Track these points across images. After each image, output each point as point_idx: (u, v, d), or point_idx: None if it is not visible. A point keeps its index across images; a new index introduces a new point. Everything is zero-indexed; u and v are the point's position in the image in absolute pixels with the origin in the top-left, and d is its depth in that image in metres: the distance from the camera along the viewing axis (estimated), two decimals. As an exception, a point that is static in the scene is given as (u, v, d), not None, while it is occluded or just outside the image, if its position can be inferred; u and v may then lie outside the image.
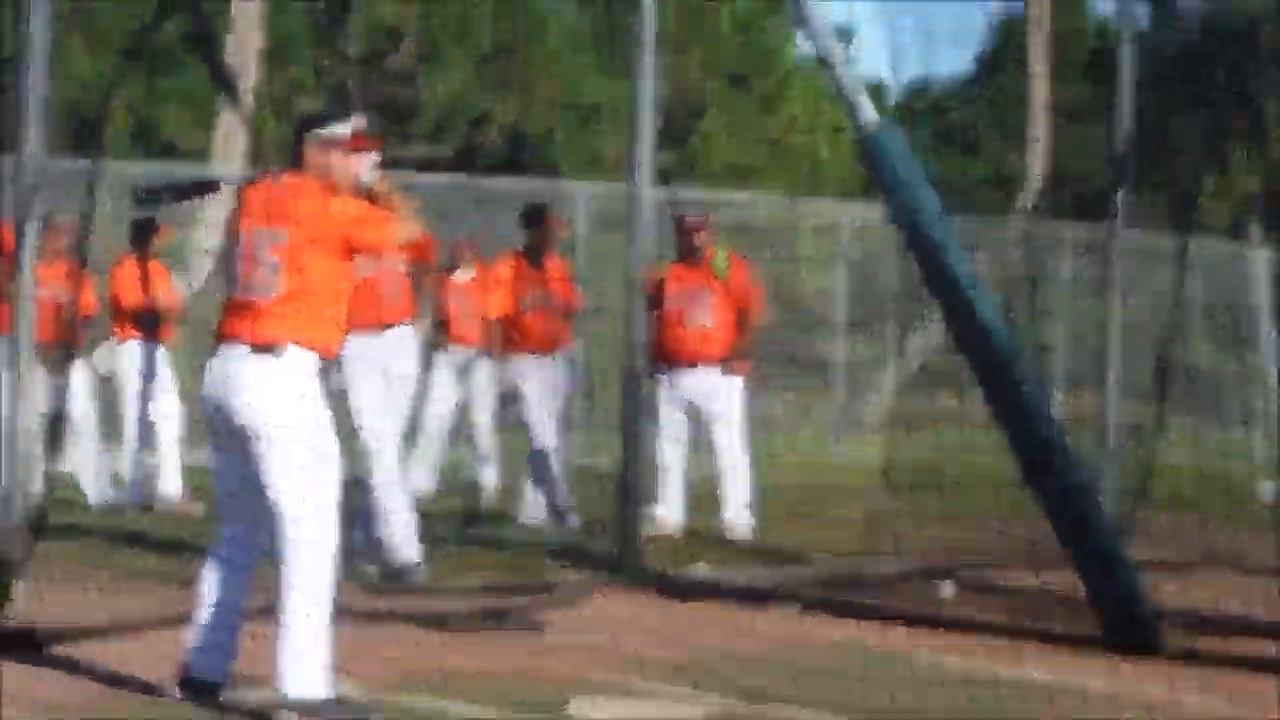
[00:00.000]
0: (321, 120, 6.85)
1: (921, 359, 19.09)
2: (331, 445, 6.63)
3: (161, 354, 13.56)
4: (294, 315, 6.53)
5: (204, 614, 6.73)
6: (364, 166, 6.81)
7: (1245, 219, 20.40)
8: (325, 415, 6.64)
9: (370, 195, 6.84)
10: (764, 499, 11.26)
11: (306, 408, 6.56)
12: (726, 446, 11.78)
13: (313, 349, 6.58)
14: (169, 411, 13.49)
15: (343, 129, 6.75)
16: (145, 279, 13.37)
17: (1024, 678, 6.50)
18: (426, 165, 23.32)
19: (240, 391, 6.51)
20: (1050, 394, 9.54)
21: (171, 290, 13.86)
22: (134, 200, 7.82)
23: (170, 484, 13.53)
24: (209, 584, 6.76)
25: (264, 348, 6.52)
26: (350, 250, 6.66)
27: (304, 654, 6.43)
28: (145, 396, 13.41)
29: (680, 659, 7.02)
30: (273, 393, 6.49)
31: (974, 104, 30.21)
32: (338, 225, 6.58)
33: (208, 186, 7.42)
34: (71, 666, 7.38)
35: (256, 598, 6.79)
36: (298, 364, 6.55)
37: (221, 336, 6.68)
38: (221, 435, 6.69)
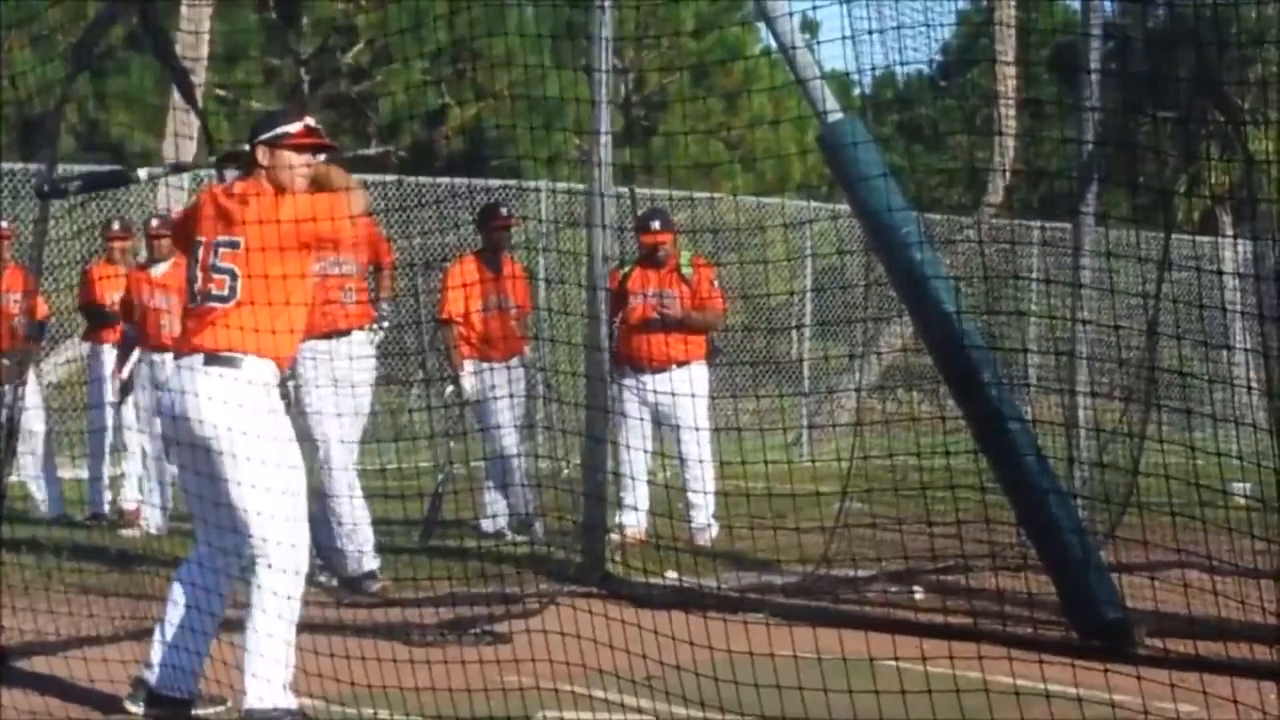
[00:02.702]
0: (270, 122, 6.88)
1: (889, 359, 19.02)
2: (294, 457, 6.60)
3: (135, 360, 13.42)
4: (250, 323, 6.52)
5: (170, 631, 6.65)
6: (313, 164, 6.80)
7: (1216, 213, 20.41)
8: (285, 426, 6.57)
9: (315, 185, 6.79)
10: (730, 504, 11.12)
11: (264, 420, 6.51)
12: (692, 451, 11.63)
13: (269, 358, 6.54)
14: (133, 421, 13.34)
15: (290, 129, 6.76)
16: (114, 281, 13.25)
17: (995, 683, 6.40)
18: (380, 164, 23.24)
19: (196, 404, 6.43)
20: (1019, 395, 9.44)
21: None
22: (37, 194, 7.70)
23: (129, 495, 13.40)
24: (177, 602, 6.68)
25: (219, 358, 6.46)
26: (308, 247, 6.64)
27: (266, 669, 6.44)
28: (97, 402, 13.27)
29: (647, 670, 6.91)
30: (229, 405, 6.41)
31: (941, 98, 30.19)
32: (291, 225, 6.56)
33: (118, 178, 7.33)
34: (27, 681, 7.32)
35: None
36: (254, 374, 6.52)
37: (178, 348, 6.64)
38: (183, 449, 6.62)
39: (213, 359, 6.51)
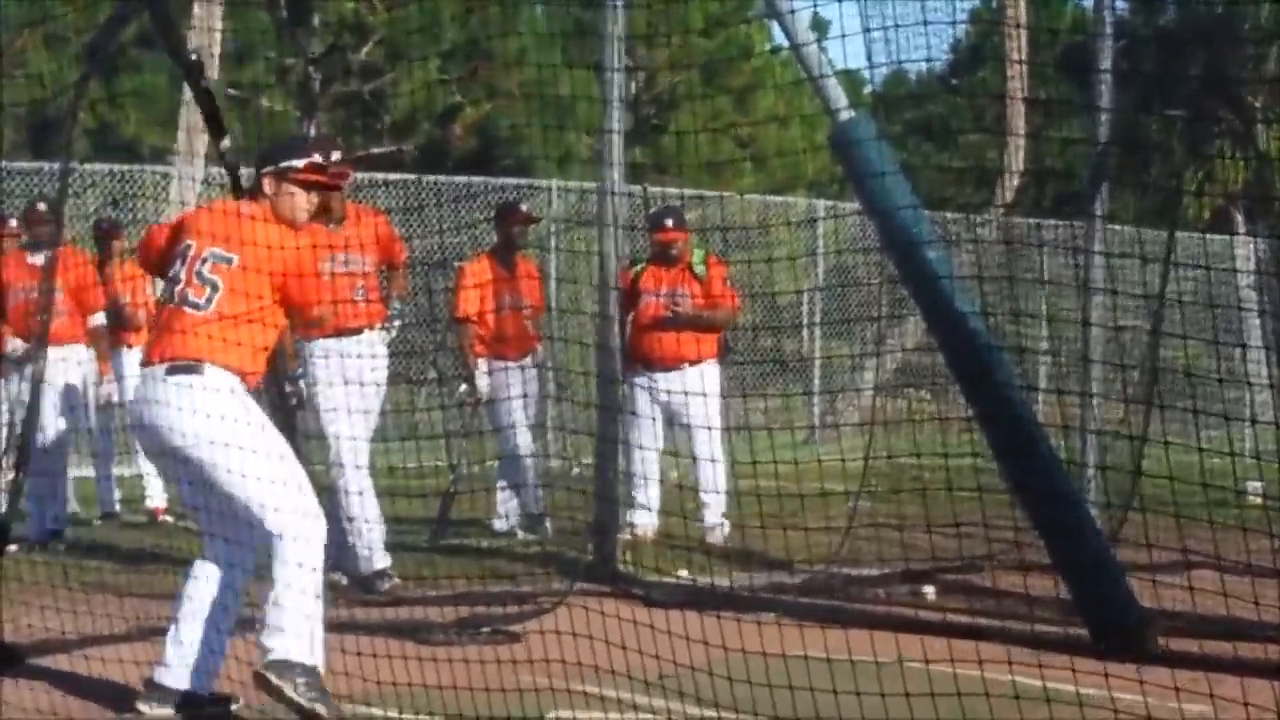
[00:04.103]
0: (279, 154, 7.00)
1: (899, 358, 19.00)
2: (278, 444, 6.65)
3: (138, 360, 13.39)
4: (220, 337, 6.58)
5: (184, 629, 6.65)
6: (314, 201, 6.93)
7: (1229, 211, 20.36)
8: (258, 418, 6.66)
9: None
10: (742, 503, 11.13)
11: (235, 415, 6.53)
12: (704, 450, 11.63)
13: (230, 371, 6.60)
14: None
15: (297, 163, 6.89)
16: (106, 281, 13.19)
17: (1008, 683, 6.38)
18: (393, 162, 23.22)
19: (165, 417, 6.53)
20: (1031, 395, 9.44)
21: (143, 293, 13.63)
22: (180, 59, 7.71)
23: (156, 494, 13.41)
24: (190, 599, 6.70)
25: (182, 367, 6.52)
26: (279, 293, 6.72)
27: (288, 621, 6.39)
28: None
29: (659, 669, 6.91)
30: (196, 414, 6.50)
31: (952, 96, 30.16)
32: (286, 267, 6.68)
33: (219, 126, 7.44)
34: (40, 680, 7.33)
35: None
36: (215, 382, 6.55)
37: (145, 357, 6.69)
38: (156, 457, 6.67)
39: (176, 368, 6.56)
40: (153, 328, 6.83)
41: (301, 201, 6.86)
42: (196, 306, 6.61)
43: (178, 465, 6.62)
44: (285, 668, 6.37)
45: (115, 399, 13.09)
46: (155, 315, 6.87)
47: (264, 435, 6.59)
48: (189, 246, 6.73)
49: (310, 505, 6.56)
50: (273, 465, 6.49)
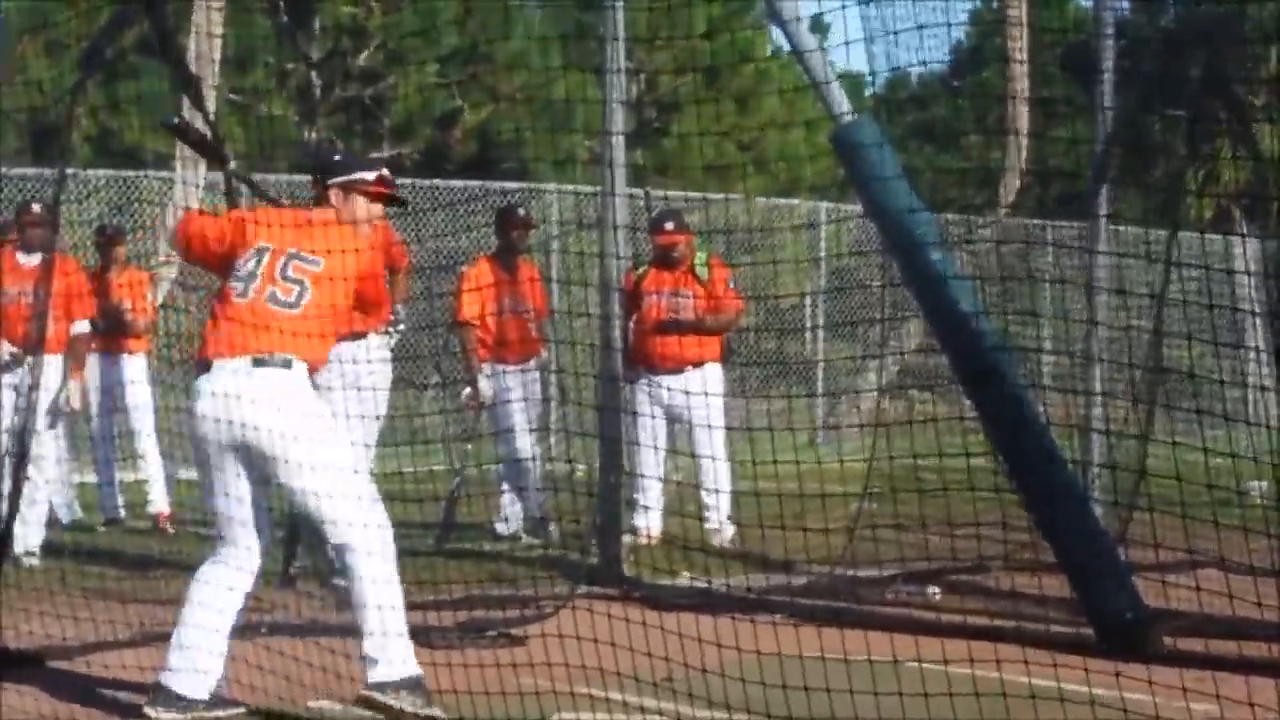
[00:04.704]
0: (346, 165, 7.21)
1: (903, 359, 19.00)
2: (350, 448, 6.93)
3: (139, 367, 13.40)
4: (305, 333, 6.72)
5: (189, 633, 6.66)
6: (375, 211, 7.14)
7: (1230, 211, 20.35)
8: (333, 421, 6.94)
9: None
10: (746, 505, 11.12)
11: (319, 411, 6.78)
12: (707, 452, 11.61)
13: (309, 363, 6.76)
14: (150, 428, 13.29)
15: (367, 175, 7.11)
16: (107, 288, 13.18)
17: (1015, 683, 6.38)
18: (393, 166, 23.20)
19: (252, 410, 6.55)
20: (1035, 395, 9.41)
21: (144, 300, 13.61)
22: (161, 122, 7.92)
23: (159, 499, 13.39)
24: (197, 603, 6.72)
25: (271, 360, 6.66)
26: (357, 297, 7.02)
27: (385, 640, 6.53)
28: (104, 410, 13.23)
29: (664, 671, 6.91)
30: (288, 408, 6.62)
31: (953, 97, 30.15)
32: (363, 270, 6.94)
33: (218, 154, 7.59)
34: (46, 686, 7.35)
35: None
36: (301, 379, 6.73)
37: (219, 350, 6.67)
38: (223, 451, 6.66)
39: (262, 361, 6.66)
40: (224, 323, 6.79)
41: (363, 213, 7.03)
42: (288, 305, 6.74)
43: (253, 460, 6.66)
44: (387, 687, 6.51)
45: (119, 403, 13.12)
46: (221, 310, 6.83)
47: (341, 440, 6.87)
48: (265, 248, 6.84)
49: (377, 517, 6.65)
50: (345, 478, 6.62)
